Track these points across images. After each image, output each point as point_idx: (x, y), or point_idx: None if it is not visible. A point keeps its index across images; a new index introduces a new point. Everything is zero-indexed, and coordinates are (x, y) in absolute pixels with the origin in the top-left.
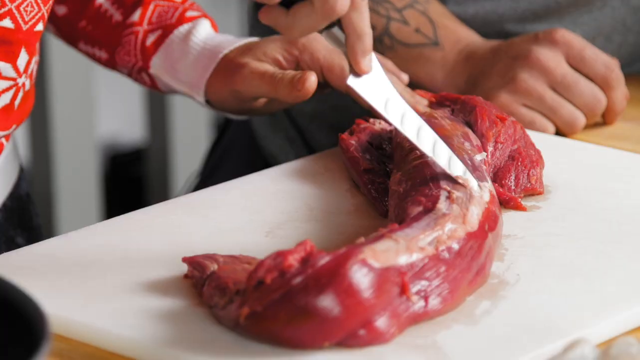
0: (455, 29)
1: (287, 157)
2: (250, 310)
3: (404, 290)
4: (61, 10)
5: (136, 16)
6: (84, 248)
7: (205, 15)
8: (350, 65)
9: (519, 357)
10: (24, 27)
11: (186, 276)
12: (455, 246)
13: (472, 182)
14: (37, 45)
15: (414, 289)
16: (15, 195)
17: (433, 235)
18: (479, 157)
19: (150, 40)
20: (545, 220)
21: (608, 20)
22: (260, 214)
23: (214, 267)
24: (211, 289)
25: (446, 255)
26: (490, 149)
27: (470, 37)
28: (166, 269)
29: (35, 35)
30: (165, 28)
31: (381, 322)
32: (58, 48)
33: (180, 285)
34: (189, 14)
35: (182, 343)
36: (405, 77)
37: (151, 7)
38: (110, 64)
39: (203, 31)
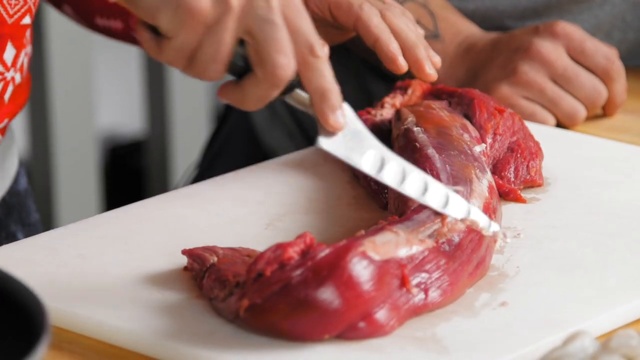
0: (455, 22)
1: (286, 149)
2: (250, 303)
3: (404, 282)
4: None
5: None
6: (84, 240)
7: None
8: (320, 125)
9: (519, 349)
10: (9, 21)
11: (186, 268)
12: (456, 239)
13: (482, 221)
14: (27, 38)
15: (414, 281)
16: (14, 190)
17: (433, 228)
18: (478, 148)
19: None
20: (545, 213)
21: (608, 17)
22: (260, 206)
23: (213, 259)
24: (211, 281)
25: (446, 247)
26: (489, 140)
27: (470, 30)
28: (166, 261)
29: (22, 28)
30: None
31: (381, 315)
32: (57, 40)
33: (180, 277)
34: None
35: (182, 335)
36: (420, 30)
37: None
38: (126, 33)
39: None
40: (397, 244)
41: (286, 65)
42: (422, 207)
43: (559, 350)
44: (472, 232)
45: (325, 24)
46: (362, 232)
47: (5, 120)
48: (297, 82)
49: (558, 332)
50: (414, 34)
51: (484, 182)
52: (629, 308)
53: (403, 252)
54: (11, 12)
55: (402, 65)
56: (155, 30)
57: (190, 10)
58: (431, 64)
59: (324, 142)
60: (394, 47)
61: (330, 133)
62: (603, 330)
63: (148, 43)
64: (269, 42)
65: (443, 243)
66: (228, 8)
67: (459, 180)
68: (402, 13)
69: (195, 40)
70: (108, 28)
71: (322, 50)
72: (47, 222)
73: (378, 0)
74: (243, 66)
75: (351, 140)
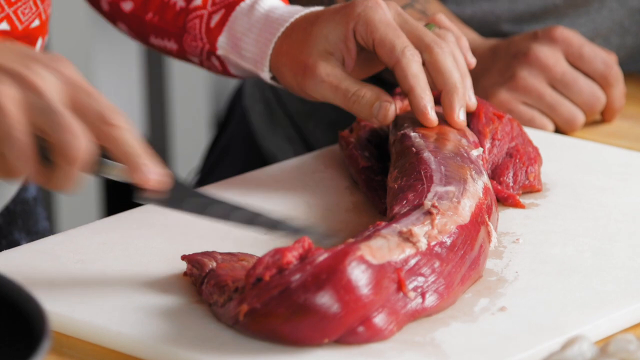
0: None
1: (286, 155)
2: (249, 308)
3: (400, 286)
4: (128, 6)
5: (199, 0)
6: (84, 246)
7: None
8: (138, 188)
9: (518, 354)
10: (20, 27)
11: (185, 274)
12: (447, 240)
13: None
14: (40, 40)
15: (411, 285)
16: (20, 199)
17: (424, 230)
18: (475, 152)
19: (214, 20)
20: (544, 218)
21: (606, 22)
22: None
23: (212, 264)
24: (210, 286)
25: (438, 249)
26: (487, 145)
27: (469, 36)
28: (165, 267)
29: (33, 31)
30: (228, 6)
31: (380, 319)
32: (54, 43)
33: (180, 282)
34: None
35: (182, 340)
36: (472, 59)
37: None
38: (181, 54)
39: (267, 3)
40: (389, 248)
41: (73, 141)
42: (410, 211)
43: (557, 354)
44: (464, 233)
45: (368, 53)
46: (352, 239)
47: None
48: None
49: (557, 336)
50: (459, 73)
51: (479, 183)
52: (627, 313)
53: (396, 256)
54: (23, 19)
55: (432, 120)
56: None
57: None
58: (465, 109)
59: (141, 199)
60: (425, 102)
61: (153, 193)
62: (601, 335)
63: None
64: (56, 130)
65: (435, 245)
66: (5, 115)
67: (452, 180)
68: (455, 44)
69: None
70: (163, 47)
71: (117, 118)
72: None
73: (431, 30)
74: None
75: (174, 194)
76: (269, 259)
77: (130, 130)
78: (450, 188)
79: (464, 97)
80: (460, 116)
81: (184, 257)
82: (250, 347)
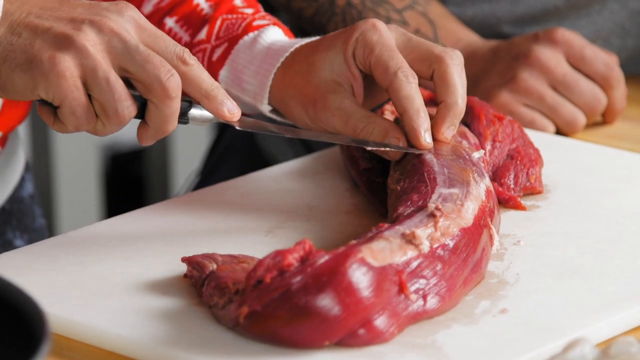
0: (455, 30)
1: (286, 157)
2: (250, 310)
3: (402, 288)
4: None
5: (203, 34)
6: (84, 247)
7: (276, 24)
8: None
9: (519, 356)
10: None
11: (185, 276)
12: (450, 243)
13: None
14: None
15: (412, 287)
16: (16, 197)
17: (426, 232)
18: (476, 154)
19: (217, 54)
20: (545, 220)
21: (607, 24)
22: (260, 213)
23: (213, 266)
24: (211, 288)
25: (441, 252)
26: (488, 147)
27: (470, 38)
28: (165, 269)
29: None
30: (231, 40)
31: (380, 321)
32: None
33: (180, 284)
34: (257, 22)
35: (181, 342)
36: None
37: (218, 22)
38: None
39: (271, 36)
40: (391, 250)
41: (168, 73)
42: (414, 213)
43: (558, 357)
44: (467, 235)
45: (372, 80)
46: (354, 241)
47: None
48: (187, 105)
49: (558, 339)
50: (464, 89)
51: (482, 185)
52: (628, 315)
53: (398, 258)
54: None
55: (425, 144)
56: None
57: (59, 73)
58: (455, 127)
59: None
60: (417, 125)
61: (236, 123)
62: (603, 337)
63: (49, 120)
64: (145, 67)
65: (437, 248)
66: (90, 58)
67: (455, 182)
68: (462, 62)
69: (80, 97)
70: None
71: (191, 57)
72: (48, 230)
73: (441, 43)
74: (140, 105)
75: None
76: (270, 261)
77: (203, 68)
78: (454, 190)
79: (460, 116)
80: (446, 134)
81: (184, 259)
82: (251, 350)
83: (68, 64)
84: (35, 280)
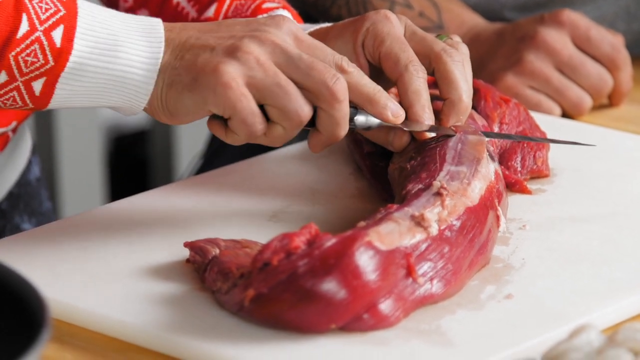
0: (459, 13)
1: (290, 140)
2: (256, 293)
3: (410, 272)
4: (143, 14)
5: (211, 11)
6: (86, 232)
7: (285, 7)
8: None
9: (524, 342)
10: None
11: (188, 261)
12: (456, 223)
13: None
14: None
15: (420, 270)
16: (23, 181)
17: (434, 213)
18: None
19: None
20: (551, 204)
21: (612, 8)
22: (263, 197)
23: (215, 251)
24: (214, 273)
25: (448, 233)
26: (496, 129)
27: (474, 20)
28: (168, 253)
29: None
30: None
31: (386, 305)
32: None
33: (182, 269)
34: (267, 5)
35: (184, 328)
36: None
37: (227, 1)
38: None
39: None
40: (400, 233)
41: (334, 77)
42: (421, 192)
43: (564, 343)
44: (472, 216)
45: (378, 71)
46: (363, 223)
47: (14, 123)
48: (353, 111)
49: (564, 325)
50: (467, 85)
51: (491, 166)
52: (635, 301)
53: (407, 241)
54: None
55: (427, 137)
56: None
57: (225, 84)
58: (458, 123)
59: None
60: (423, 118)
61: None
62: (609, 323)
63: (220, 132)
64: (311, 74)
65: (445, 229)
66: (256, 68)
67: (464, 160)
68: (467, 56)
69: (250, 105)
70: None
71: (349, 65)
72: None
73: (443, 40)
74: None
75: None
76: (277, 243)
77: (363, 74)
78: (462, 168)
79: (466, 111)
80: (448, 129)
81: (186, 244)
82: (254, 335)
83: (233, 74)
84: (38, 265)
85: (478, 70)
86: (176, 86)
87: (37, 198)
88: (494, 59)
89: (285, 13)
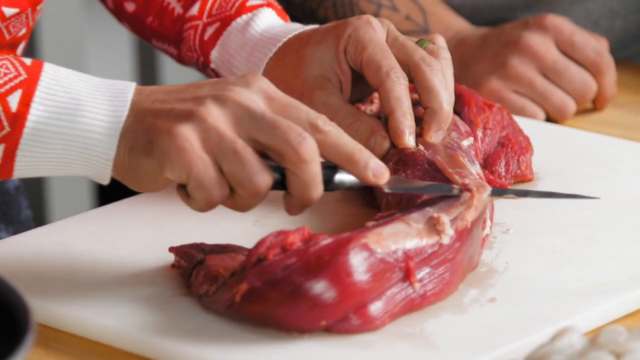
0: (445, 17)
1: None
2: (249, 287)
3: (408, 275)
4: (130, 7)
5: (195, 9)
6: (71, 237)
7: (270, 4)
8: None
9: (507, 345)
10: (7, 37)
11: (173, 265)
12: (465, 229)
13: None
14: (23, 44)
15: (419, 275)
16: (1, 189)
17: (449, 218)
18: (466, 142)
19: (208, 33)
20: (535, 208)
21: (598, 8)
22: None
23: (200, 256)
24: (200, 277)
25: (456, 243)
26: (479, 135)
27: (460, 25)
28: (154, 258)
29: (19, 39)
30: (223, 20)
31: (375, 308)
32: (48, 33)
33: (167, 274)
34: (250, 3)
35: (169, 332)
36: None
37: None
38: (181, 60)
39: (264, 21)
40: (407, 234)
41: (299, 136)
42: (438, 199)
43: (546, 346)
44: (475, 225)
45: (359, 76)
46: (371, 223)
47: None
48: (331, 171)
49: (546, 327)
50: (447, 92)
51: (473, 170)
52: (617, 303)
53: (412, 244)
54: (12, 31)
55: (406, 144)
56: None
57: (179, 147)
58: (443, 131)
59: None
60: (403, 126)
61: (385, 186)
62: (592, 326)
63: (184, 199)
64: (273, 134)
65: (456, 235)
66: (212, 130)
67: (467, 173)
68: (448, 62)
69: (206, 169)
70: (165, 50)
71: (326, 124)
72: (38, 219)
73: (425, 46)
74: (278, 178)
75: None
76: (272, 239)
77: (342, 132)
78: (469, 180)
79: (447, 119)
80: (434, 138)
81: (171, 249)
82: (239, 338)
83: (187, 136)
84: (23, 271)
85: (463, 74)
86: (135, 151)
87: (15, 207)
88: (479, 63)
89: (269, 11)
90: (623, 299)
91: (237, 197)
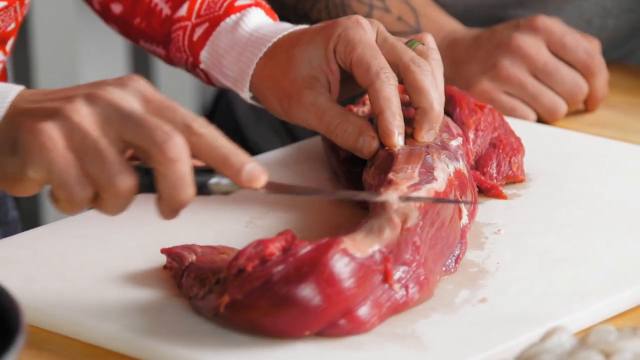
0: (437, 18)
1: (272, 145)
2: (231, 299)
3: (386, 277)
4: (117, 8)
5: (184, 10)
6: (63, 239)
7: (258, 4)
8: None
9: (498, 345)
10: None
11: (165, 267)
12: (419, 213)
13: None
14: (12, 40)
15: (396, 275)
16: None
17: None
18: (454, 142)
19: (197, 34)
20: (526, 209)
21: (591, 7)
22: (241, 203)
23: (192, 257)
24: (190, 279)
25: (416, 225)
26: (471, 136)
27: (452, 26)
28: (145, 260)
29: (8, 34)
30: (212, 20)
31: (363, 312)
32: (41, 32)
33: (159, 276)
34: (239, 3)
35: (161, 334)
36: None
37: None
38: (169, 61)
39: (253, 20)
40: (373, 236)
41: (165, 135)
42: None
43: (536, 346)
44: (432, 207)
45: (349, 76)
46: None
47: None
48: (207, 175)
49: (537, 328)
50: (437, 93)
51: (450, 166)
52: (607, 304)
53: (382, 242)
54: (1, 25)
55: (395, 144)
56: None
57: (41, 145)
58: (435, 131)
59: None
60: (392, 127)
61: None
62: (582, 326)
63: (53, 202)
64: (139, 132)
65: (413, 227)
66: (77, 128)
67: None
68: (438, 63)
69: (68, 168)
70: (153, 51)
71: (202, 126)
72: (30, 221)
73: (414, 47)
74: (147, 183)
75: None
76: (252, 250)
77: (219, 135)
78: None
79: (438, 119)
80: (426, 138)
81: (163, 251)
82: (230, 341)
83: (50, 134)
84: (15, 272)
85: (454, 75)
86: (3, 150)
87: (2, 208)
88: (470, 64)
89: (257, 10)
90: (613, 299)
91: (100, 199)
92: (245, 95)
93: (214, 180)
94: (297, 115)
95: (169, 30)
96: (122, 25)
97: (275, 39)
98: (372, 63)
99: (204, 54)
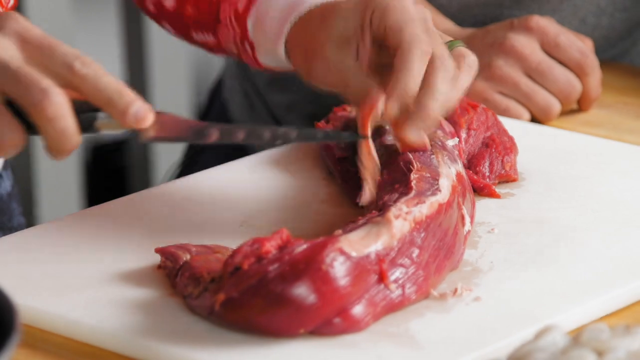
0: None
1: (261, 146)
2: (226, 297)
3: (382, 278)
4: (169, 3)
5: None
6: (58, 238)
7: None
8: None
9: (491, 344)
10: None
11: (159, 266)
12: (423, 219)
13: None
14: None
15: (392, 277)
16: None
17: (403, 214)
18: (451, 142)
19: (241, 4)
20: (519, 208)
21: (586, 5)
22: (235, 203)
23: (186, 257)
24: (185, 278)
25: (415, 234)
26: (463, 135)
27: (445, 25)
28: (140, 259)
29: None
30: None
31: (357, 310)
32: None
33: (154, 275)
34: None
35: (155, 333)
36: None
37: None
38: (218, 47)
39: None
40: (370, 237)
41: (40, 93)
42: (398, 199)
43: (529, 344)
44: (438, 216)
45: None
46: (339, 231)
47: None
48: (93, 116)
49: (530, 326)
50: (444, 97)
51: (452, 169)
52: (600, 302)
53: (379, 246)
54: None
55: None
56: None
57: None
58: (414, 129)
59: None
60: (406, 89)
61: (144, 134)
62: (575, 325)
63: None
64: (17, 88)
65: (412, 230)
66: None
67: (429, 167)
68: (469, 68)
69: None
70: (205, 43)
71: (84, 65)
72: (28, 221)
73: (453, 47)
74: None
75: None
76: (248, 248)
77: (103, 74)
78: (426, 174)
79: (427, 121)
80: (407, 133)
81: (157, 250)
82: (225, 340)
83: None
84: (9, 271)
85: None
86: None
87: (7, 213)
88: None
89: None
90: (606, 298)
91: None
92: (280, 51)
93: (100, 121)
94: (318, 70)
95: (217, 10)
96: (174, 19)
97: (307, 6)
98: (407, 25)
99: (249, 22)
